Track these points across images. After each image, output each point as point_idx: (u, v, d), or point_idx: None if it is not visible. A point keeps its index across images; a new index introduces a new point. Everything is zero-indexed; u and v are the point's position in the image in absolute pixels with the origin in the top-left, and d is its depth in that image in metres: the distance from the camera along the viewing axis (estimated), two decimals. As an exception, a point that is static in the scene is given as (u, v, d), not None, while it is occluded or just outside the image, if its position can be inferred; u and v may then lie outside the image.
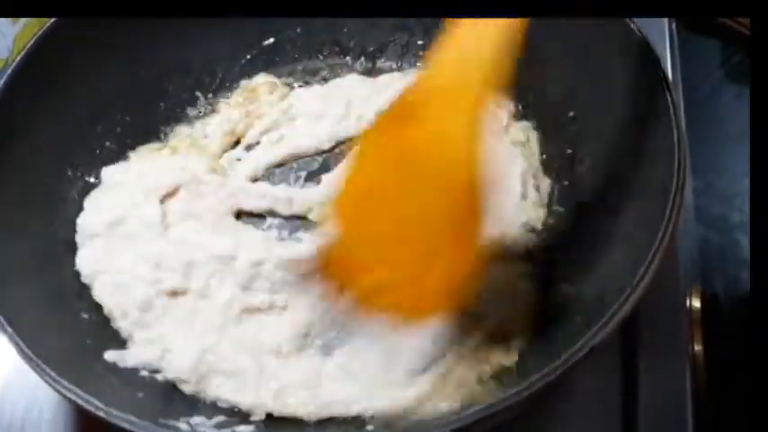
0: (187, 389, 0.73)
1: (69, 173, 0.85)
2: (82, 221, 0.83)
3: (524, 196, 0.84)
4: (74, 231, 0.83)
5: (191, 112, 0.96)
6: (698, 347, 0.82)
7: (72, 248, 0.82)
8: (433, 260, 0.65)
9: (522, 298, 0.77)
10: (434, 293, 0.67)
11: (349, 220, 0.68)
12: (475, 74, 0.63)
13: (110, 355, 0.74)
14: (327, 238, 0.70)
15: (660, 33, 1.03)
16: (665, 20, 1.05)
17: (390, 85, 0.95)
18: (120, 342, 0.76)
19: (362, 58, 1.00)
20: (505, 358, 0.73)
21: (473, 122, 0.63)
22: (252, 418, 0.71)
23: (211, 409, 0.72)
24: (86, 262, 0.80)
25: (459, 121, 0.63)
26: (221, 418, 0.70)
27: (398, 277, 0.67)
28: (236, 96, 0.96)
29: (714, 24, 1.12)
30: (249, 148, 0.93)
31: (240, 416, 0.71)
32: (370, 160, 0.67)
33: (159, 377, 0.74)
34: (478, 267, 0.66)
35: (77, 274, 0.80)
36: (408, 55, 0.99)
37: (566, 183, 0.86)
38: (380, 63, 1.00)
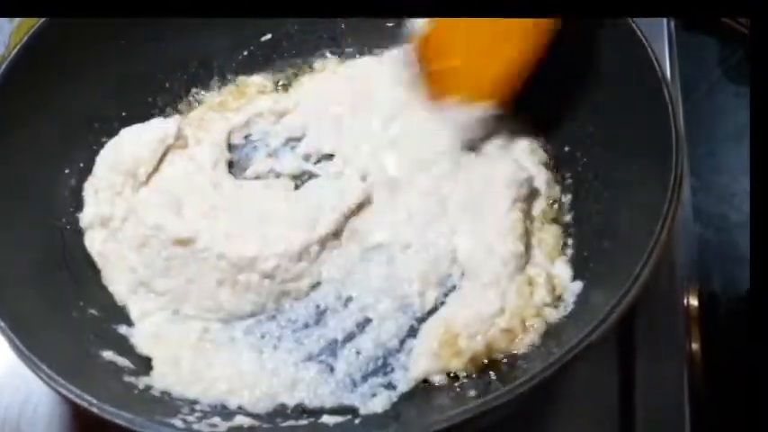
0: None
1: (66, 166, 0.85)
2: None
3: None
4: (72, 226, 0.82)
5: (183, 107, 0.96)
6: (695, 346, 0.82)
7: (69, 244, 0.81)
8: (500, 44, 0.80)
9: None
10: (495, 76, 0.81)
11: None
12: None
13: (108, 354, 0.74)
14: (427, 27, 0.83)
15: (659, 33, 1.03)
16: (664, 19, 1.05)
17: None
18: (118, 338, 0.76)
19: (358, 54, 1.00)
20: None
21: None
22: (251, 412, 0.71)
23: (207, 406, 0.72)
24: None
25: None
26: (216, 417, 0.70)
27: (470, 58, 0.81)
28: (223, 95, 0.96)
29: (713, 23, 1.12)
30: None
31: (235, 413, 0.71)
32: None
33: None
34: (533, 59, 0.79)
35: (74, 271, 0.80)
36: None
37: (564, 180, 0.86)
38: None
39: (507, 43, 0.80)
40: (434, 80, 0.85)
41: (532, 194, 0.83)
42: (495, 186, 0.81)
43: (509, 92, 0.82)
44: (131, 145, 0.86)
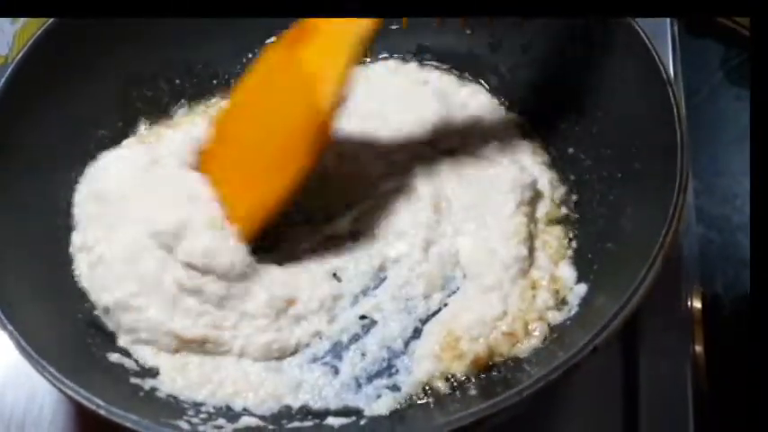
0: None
1: (69, 169, 0.85)
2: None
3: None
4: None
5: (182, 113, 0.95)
6: (698, 347, 0.82)
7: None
8: (259, 182, 0.78)
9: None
10: (248, 211, 0.78)
11: (225, 125, 0.82)
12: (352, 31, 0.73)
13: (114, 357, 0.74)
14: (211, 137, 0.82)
15: (661, 35, 1.03)
16: (667, 21, 1.05)
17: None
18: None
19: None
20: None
21: (345, 65, 0.73)
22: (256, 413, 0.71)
23: (212, 408, 0.72)
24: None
25: (335, 56, 0.74)
26: (221, 419, 0.70)
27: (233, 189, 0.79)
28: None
29: (714, 25, 1.12)
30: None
31: (240, 414, 0.71)
32: (258, 75, 0.79)
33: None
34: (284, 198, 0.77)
35: (77, 272, 0.79)
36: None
37: (567, 182, 0.86)
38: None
39: (266, 180, 0.78)
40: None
41: (536, 197, 0.83)
42: (498, 190, 0.81)
43: (259, 225, 0.78)
44: (112, 174, 0.83)
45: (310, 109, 0.74)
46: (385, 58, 0.98)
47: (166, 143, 0.88)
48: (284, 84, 0.77)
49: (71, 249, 0.80)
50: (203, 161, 0.83)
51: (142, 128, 0.92)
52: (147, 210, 0.78)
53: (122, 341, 0.75)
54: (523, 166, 0.84)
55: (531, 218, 0.82)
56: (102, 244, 0.78)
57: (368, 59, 0.97)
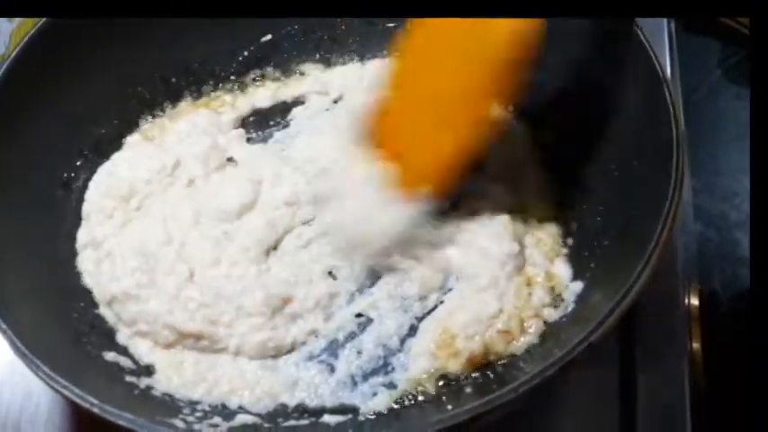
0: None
1: (66, 166, 0.85)
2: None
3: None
4: (72, 226, 0.82)
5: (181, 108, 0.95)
6: (696, 345, 0.82)
7: (71, 244, 0.81)
8: (441, 134, 0.75)
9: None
10: (435, 167, 0.77)
11: (396, 85, 0.79)
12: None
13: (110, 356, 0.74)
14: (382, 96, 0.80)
15: (659, 33, 1.03)
16: (665, 21, 1.05)
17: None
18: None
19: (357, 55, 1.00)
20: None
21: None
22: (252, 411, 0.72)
23: (208, 406, 0.72)
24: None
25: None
26: (217, 417, 0.70)
27: (412, 147, 0.78)
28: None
29: (713, 24, 1.12)
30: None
31: (236, 412, 0.71)
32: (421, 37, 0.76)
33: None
34: (474, 150, 0.75)
35: (76, 271, 0.80)
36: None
37: (563, 179, 0.85)
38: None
39: (448, 133, 0.76)
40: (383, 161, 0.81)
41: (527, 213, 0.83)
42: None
43: (449, 182, 0.77)
44: (126, 173, 0.85)
45: (487, 47, 0.71)
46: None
47: (173, 137, 0.89)
48: (453, 32, 0.73)
49: (76, 245, 0.81)
50: (375, 130, 0.81)
51: (143, 123, 0.92)
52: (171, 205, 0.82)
53: (121, 336, 0.76)
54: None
55: (519, 215, 0.82)
56: (112, 239, 0.80)
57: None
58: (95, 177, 0.86)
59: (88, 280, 0.79)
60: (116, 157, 0.88)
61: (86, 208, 0.84)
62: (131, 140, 0.90)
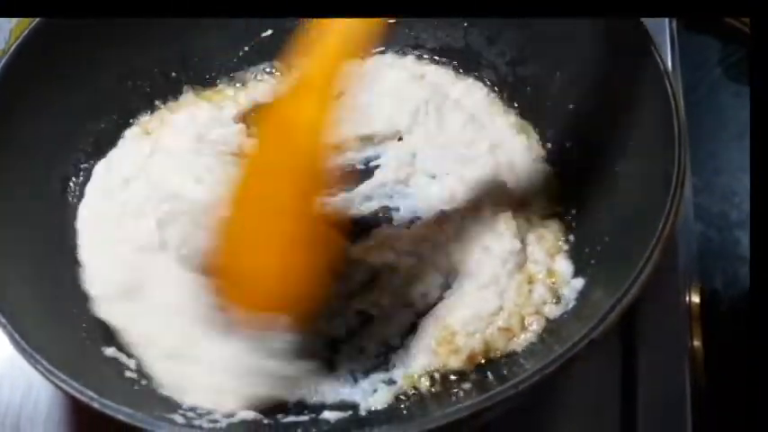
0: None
1: (65, 161, 0.85)
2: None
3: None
4: (72, 220, 0.82)
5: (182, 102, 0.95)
6: (697, 343, 0.82)
7: (70, 239, 0.81)
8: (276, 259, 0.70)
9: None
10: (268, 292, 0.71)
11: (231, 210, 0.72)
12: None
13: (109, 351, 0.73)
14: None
15: (660, 32, 1.03)
16: (666, 19, 1.05)
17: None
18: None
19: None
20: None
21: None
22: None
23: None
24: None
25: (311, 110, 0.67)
26: (216, 413, 0.70)
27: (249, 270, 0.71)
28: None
29: (713, 22, 1.12)
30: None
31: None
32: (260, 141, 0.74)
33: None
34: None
35: (75, 267, 0.79)
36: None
37: (564, 176, 0.85)
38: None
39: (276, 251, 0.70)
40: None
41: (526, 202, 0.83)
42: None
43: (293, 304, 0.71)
44: (123, 170, 0.85)
45: (300, 164, 0.68)
46: (381, 52, 0.98)
47: (171, 130, 0.89)
48: (277, 145, 0.69)
49: (76, 240, 0.81)
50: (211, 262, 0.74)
51: (143, 117, 0.92)
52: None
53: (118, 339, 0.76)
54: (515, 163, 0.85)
55: (520, 212, 0.82)
56: (110, 235, 0.80)
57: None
58: (94, 173, 0.86)
59: (87, 274, 0.79)
60: (113, 153, 0.88)
61: (85, 203, 0.83)
62: (130, 134, 0.90)
